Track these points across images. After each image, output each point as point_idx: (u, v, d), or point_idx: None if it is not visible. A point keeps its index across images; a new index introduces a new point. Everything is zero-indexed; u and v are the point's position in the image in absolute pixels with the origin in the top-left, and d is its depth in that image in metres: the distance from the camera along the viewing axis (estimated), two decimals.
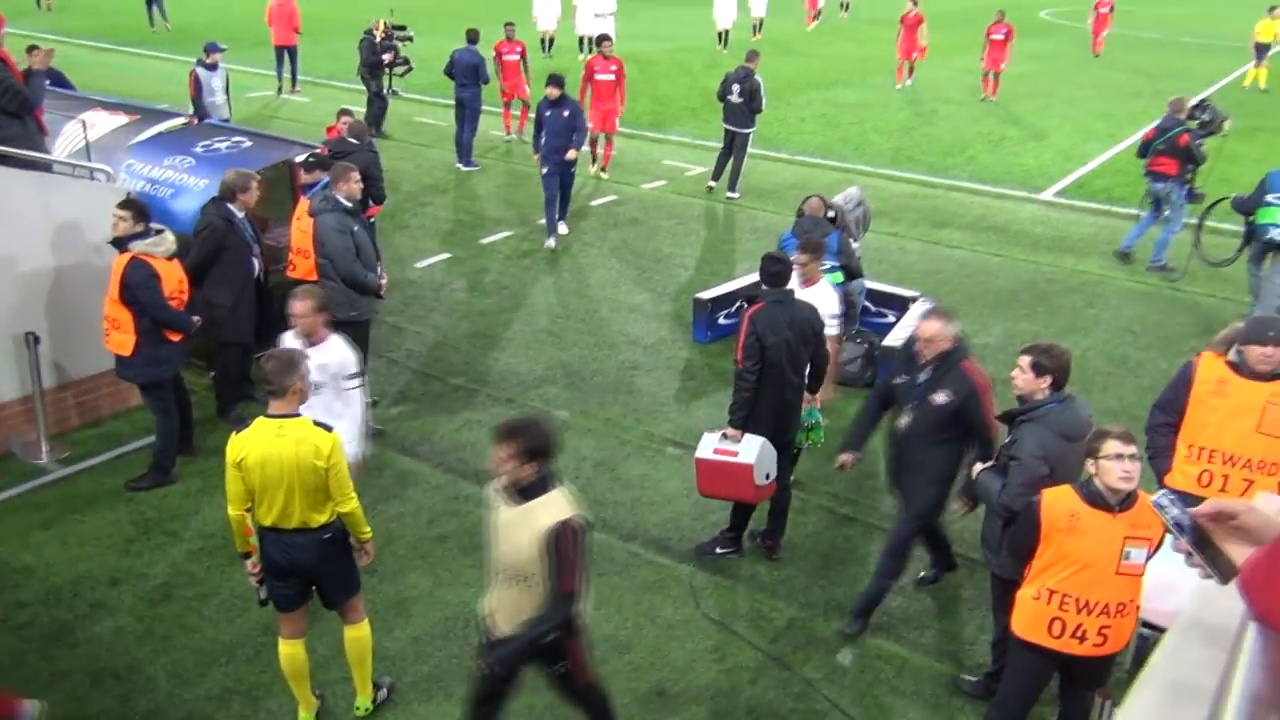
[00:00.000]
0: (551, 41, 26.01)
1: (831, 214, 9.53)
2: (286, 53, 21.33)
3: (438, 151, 17.23)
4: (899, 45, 23.78)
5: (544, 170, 12.65)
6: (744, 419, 6.47)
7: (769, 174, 16.45)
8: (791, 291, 6.67)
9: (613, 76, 15.15)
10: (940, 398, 5.74)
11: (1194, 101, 12.76)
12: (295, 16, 21.09)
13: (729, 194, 14.91)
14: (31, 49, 11.62)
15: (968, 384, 5.73)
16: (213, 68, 15.09)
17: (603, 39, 15.54)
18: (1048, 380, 5.24)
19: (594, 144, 15.61)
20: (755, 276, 10.75)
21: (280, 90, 21.31)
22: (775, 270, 6.60)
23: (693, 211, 14.59)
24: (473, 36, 16.27)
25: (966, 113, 21.66)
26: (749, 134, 14.79)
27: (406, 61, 18.15)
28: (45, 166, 8.33)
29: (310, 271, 8.64)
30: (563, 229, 13.15)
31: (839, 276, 9.19)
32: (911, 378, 5.89)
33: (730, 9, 28.85)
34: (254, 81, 22.08)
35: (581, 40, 25.48)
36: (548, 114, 12.48)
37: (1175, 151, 12.20)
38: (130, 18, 30.92)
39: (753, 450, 6.44)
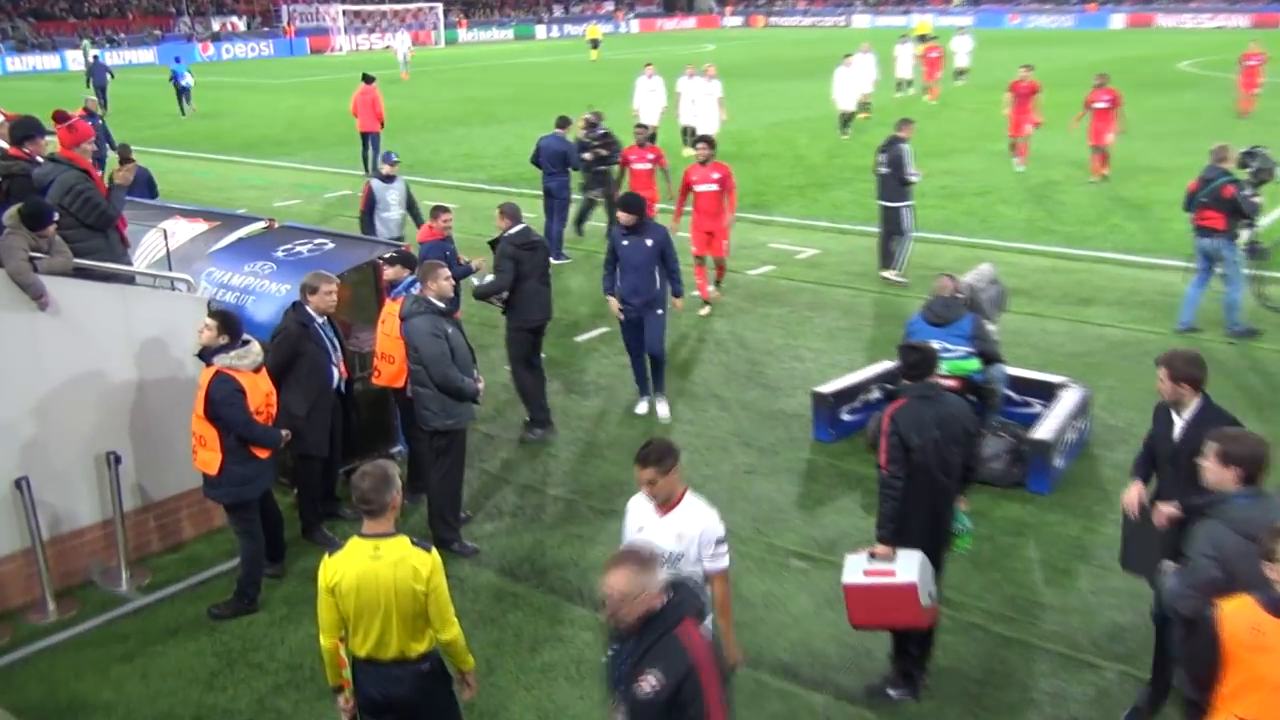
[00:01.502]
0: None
1: (961, 294, 9.44)
2: (370, 140, 23.68)
3: None
4: (1011, 118, 22.66)
5: (622, 318, 10.64)
6: (894, 532, 6.31)
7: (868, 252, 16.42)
8: (937, 385, 6.56)
9: (716, 186, 13.53)
10: (645, 685, 4.23)
11: (1244, 150, 12.51)
12: (378, 104, 23.40)
13: (885, 274, 14.88)
14: (122, 161, 12.30)
15: (683, 661, 4.24)
16: (389, 180, 14.00)
17: (701, 141, 13.98)
18: (1236, 472, 5.03)
19: (699, 270, 14.06)
20: (879, 367, 10.78)
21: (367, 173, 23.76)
22: (915, 360, 6.51)
23: (804, 297, 14.60)
24: (561, 123, 16.74)
25: (1111, 179, 21.38)
26: (900, 209, 14.69)
27: (604, 160, 16.94)
28: (127, 279, 8.74)
29: (395, 378, 8.84)
30: (663, 410, 10.84)
31: (975, 363, 9.05)
32: (617, 652, 4.48)
33: (856, 85, 27.95)
34: (329, 181, 22.99)
35: (685, 133, 24.82)
36: (624, 244, 10.36)
37: (1220, 204, 11.96)
38: (171, 119, 32.78)
39: (912, 567, 6.22)
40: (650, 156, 15.24)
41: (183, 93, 37.10)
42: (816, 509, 9.04)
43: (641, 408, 10.96)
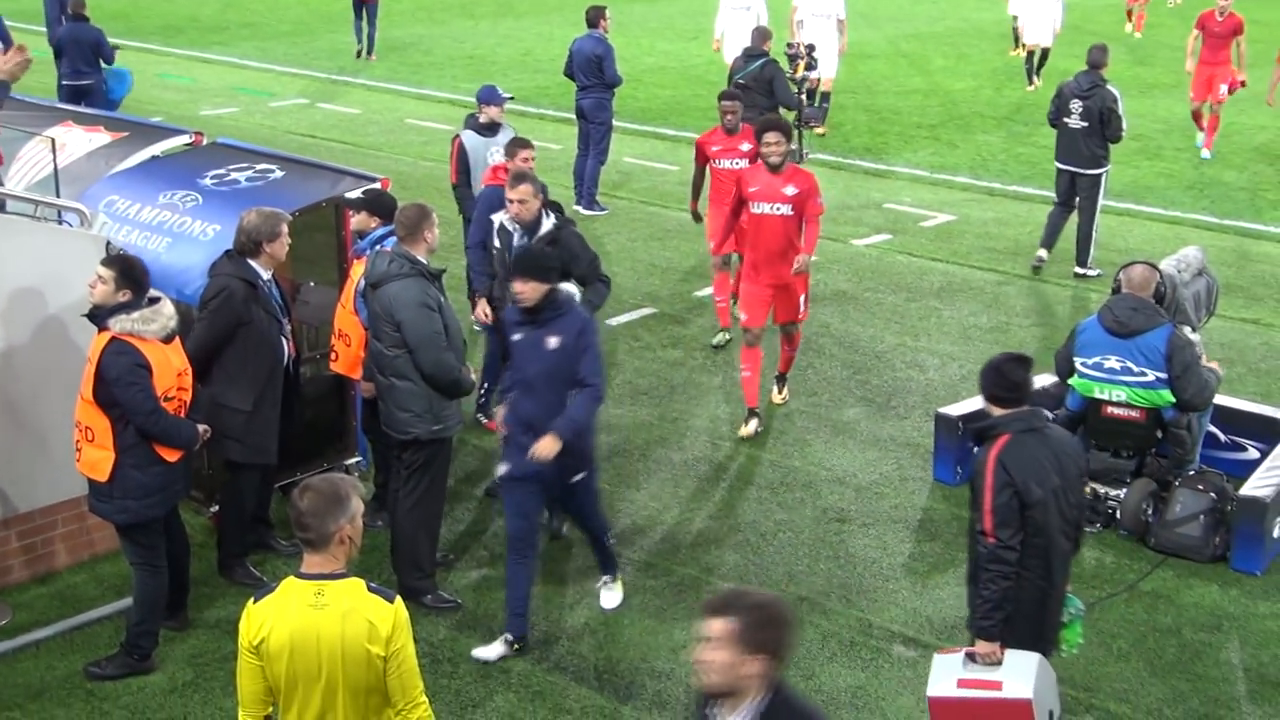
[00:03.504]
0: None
1: (1164, 291, 9.40)
2: (365, 8, 24.66)
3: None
4: (1195, 74, 20.13)
5: (503, 440, 8.35)
6: (1002, 622, 6.34)
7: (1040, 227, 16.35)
8: (1042, 411, 6.60)
9: (789, 209, 10.71)
10: None
11: None
12: None
13: (1079, 270, 14.74)
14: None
15: None
16: (491, 129, 12.81)
17: (770, 129, 10.86)
18: None
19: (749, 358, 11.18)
20: (1035, 382, 10.72)
21: (359, 54, 25.16)
22: (1021, 379, 6.55)
23: (930, 281, 14.57)
24: (593, 17, 16.73)
25: None
26: (1100, 177, 14.58)
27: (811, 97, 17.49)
28: None
29: (355, 364, 8.90)
30: (612, 601, 8.71)
31: (1168, 395, 9.01)
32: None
33: (1049, 9, 24.45)
34: (278, 84, 23.18)
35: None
36: (516, 337, 8.06)
37: None
38: None
39: (1027, 674, 6.25)
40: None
41: None
42: (931, 577, 9.02)
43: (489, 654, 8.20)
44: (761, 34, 16.15)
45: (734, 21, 20.50)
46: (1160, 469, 9.51)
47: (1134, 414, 9.26)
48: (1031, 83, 24.52)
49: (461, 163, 12.71)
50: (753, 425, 10.96)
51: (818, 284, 14.31)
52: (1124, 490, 9.36)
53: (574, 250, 9.28)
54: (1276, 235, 16.27)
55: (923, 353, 12.69)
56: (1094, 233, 14.67)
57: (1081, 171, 14.53)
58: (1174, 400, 9.13)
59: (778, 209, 10.66)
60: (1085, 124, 14.34)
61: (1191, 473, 9.46)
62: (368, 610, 5.10)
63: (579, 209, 16.55)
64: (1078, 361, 9.35)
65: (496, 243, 9.59)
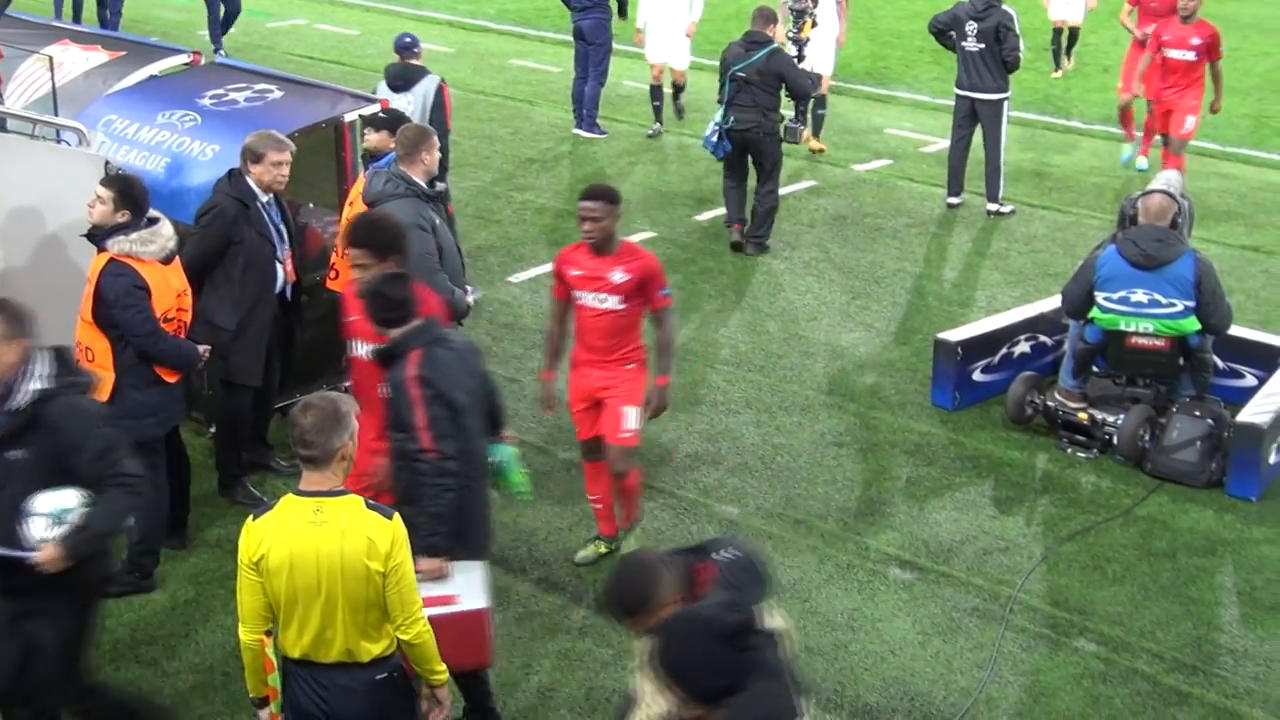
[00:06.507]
0: None
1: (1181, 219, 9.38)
2: None
3: (544, 110, 17.64)
4: (1126, 60, 15.85)
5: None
6: (448, 536, 6.42)
7: (1052, 150, 16.32)
8: (437, 320, 6.74)
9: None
10: None
11: None
12: None
13: (992, 208, 14.30)
14: None
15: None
16: (402, 84, 11.46)
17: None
18: None
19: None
20: (1030, 310, 10.76)
21: None
22: (401, 297, 6.57)
23: (932, 207, 14.54)
24: None
25: None
26: (1003, 103, 14.11)
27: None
28: None
29: None
30: None
31: (1194, 322, 9.07)
32: None
33: None
34: (276, 6, 23.00)
35: None
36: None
37: None
38: None
39: (478, 585, 6.47)
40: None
41: None
42: (929, 501, 9.07)
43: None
44: (765, 15, 13.00)
45: (660, 8, 16.18)
46: (1158, 395, 9.54)
47: (1160, 343, 9.26)
48: (1059, 67, 19.76)
49: None
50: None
51: (816, 210, 14.31)
52: (1121, 416, 9.39)
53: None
54: (1277, 162, 16.19)
55: (922, 279, 12.68)
56: (1002, 165, 14.19)
57: (982, 97, 14.02)
58: (1199, 326, 9.15)
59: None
60: (982, 45, 13.86)
61: (1186, 398, 9.50)
62: (366, 526, 5.17)
63: (578, 132, 16.48)
64: (1100, 296, 9.27)
65: None
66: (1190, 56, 13.90)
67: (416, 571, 5.82)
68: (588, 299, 7.93)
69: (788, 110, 13.34)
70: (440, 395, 6.34)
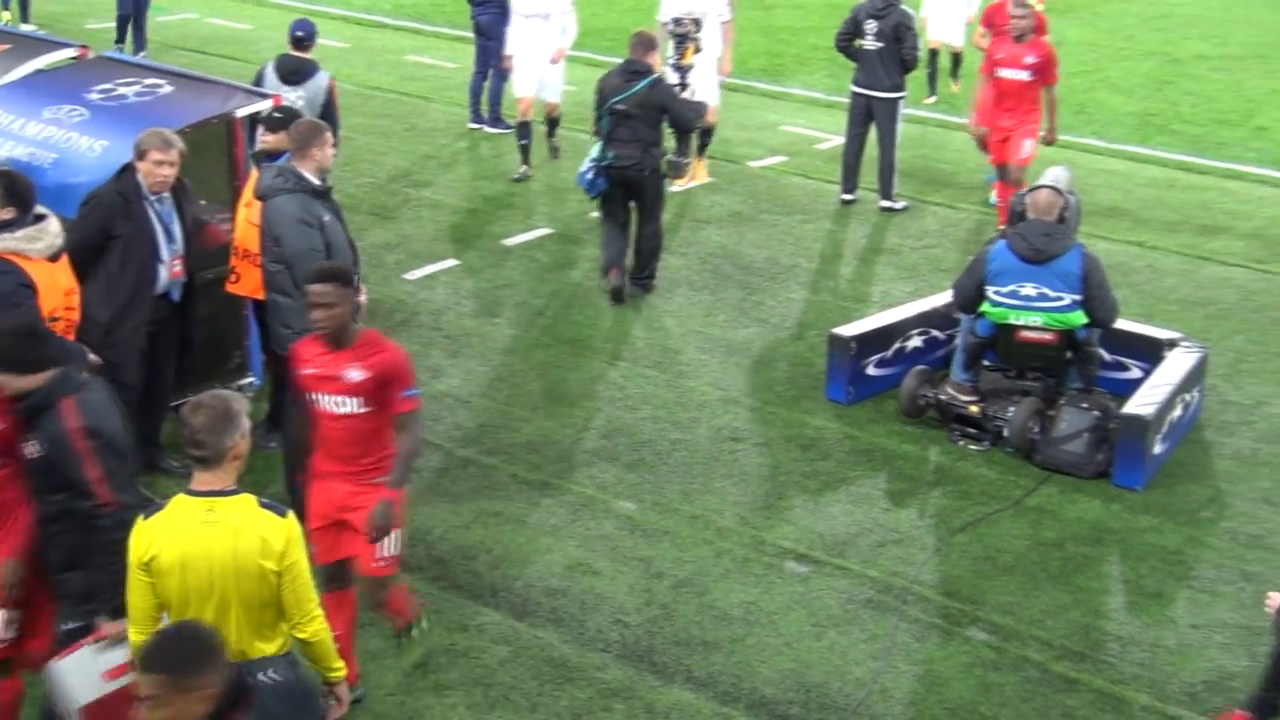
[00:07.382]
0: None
1: (1068, 214, 9.55)
2: None
3: (440, 107, 17.58)
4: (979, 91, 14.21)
5: None
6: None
7: (943, 148, 16.55)
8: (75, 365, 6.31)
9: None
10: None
11: None
12: None
13: (885, 204, 14.38)
14: None
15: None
16: (297, 77, 11.62)
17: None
18: None
19: None
20: (924, 304, 10.90)
21: None
22: (42, 339, 6.13)
23: (826, 203, 14.65)
24: None
25: (1252, 59, 21.49)
26: (898, 102, 14.27)
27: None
28: None
29: (260, 287, 8.84)
30: None
31: (1081, 315, 9.25)
32: None
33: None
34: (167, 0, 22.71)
35: None
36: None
37: None
38: None
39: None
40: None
41: None
42: (824, 495, 9.15)
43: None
44: (644, 43, 12.05)
45: (529, 35, 15.07)
46: (1048, 388, 9.71)
47: (1048, 336, 9.45)
48: (934, 92, 18.57)
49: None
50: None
51: (712, 206, 14.38)
52: (1011, 409, 9.54)
53: None
54: (1161, 159, 16.52)
55: (816, 275, 12.79)
56: (896, 162, 14.29)
57: (879, 95, 14.14)
58: (1087, 320, 9.35)
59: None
60: (881, 44, 13.99)
61: (1072, 391, 9.68)
62: (260, 526, 5.14)
63: (474, 127, 16.42)
64: (990, 290, 9.44)
65: None
66: (1024, 76, 13.19)
67: (98, 638, 5.73)
68: (324, 402, 6.75)
69: (670, 143, 12.42)
70: (110, 444, 5.87)
